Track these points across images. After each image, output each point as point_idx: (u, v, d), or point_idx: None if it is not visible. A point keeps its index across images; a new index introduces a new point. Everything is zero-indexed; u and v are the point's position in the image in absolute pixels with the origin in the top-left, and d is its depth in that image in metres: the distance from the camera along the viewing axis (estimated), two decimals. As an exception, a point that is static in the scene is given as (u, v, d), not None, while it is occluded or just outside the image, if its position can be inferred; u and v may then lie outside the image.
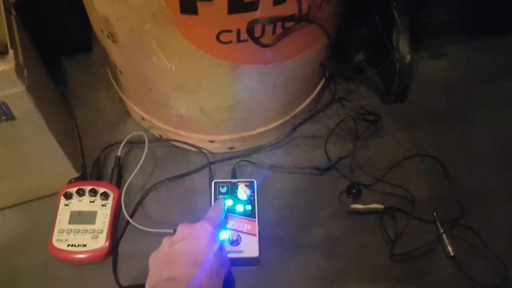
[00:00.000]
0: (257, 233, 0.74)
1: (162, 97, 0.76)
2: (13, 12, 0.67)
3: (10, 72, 0.57)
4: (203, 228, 0.61)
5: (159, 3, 0.56)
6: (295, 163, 0.86)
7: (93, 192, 0.78)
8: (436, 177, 0.85)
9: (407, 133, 0.91)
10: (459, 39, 1.02)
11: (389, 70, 0.90)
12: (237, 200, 0.77)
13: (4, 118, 0.62)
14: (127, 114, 0.92)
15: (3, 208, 0.80)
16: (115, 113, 0.92)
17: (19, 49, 0.62)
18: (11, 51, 0.59)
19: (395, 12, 0.84)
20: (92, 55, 1.00)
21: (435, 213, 0.81)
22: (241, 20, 0.59)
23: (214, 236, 0.61)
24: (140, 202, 0.82)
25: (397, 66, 0.88)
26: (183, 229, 0.61)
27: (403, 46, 0.88)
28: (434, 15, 0.98)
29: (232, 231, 0.74)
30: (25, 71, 0.61)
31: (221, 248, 0.62)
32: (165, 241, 0.60)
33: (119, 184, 0.82)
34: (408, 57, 0.88)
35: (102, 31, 0.70)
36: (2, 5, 0.63)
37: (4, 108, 0.61)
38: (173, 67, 0.67)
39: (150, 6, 0.58)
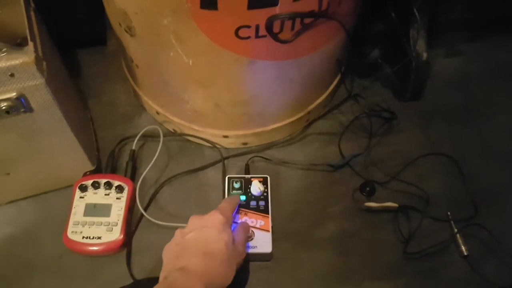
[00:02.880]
0: (270, 229, 0.74)
1: (177, 91, 0.76)
2: (32, 4, 0.67)
3: (29, 65, 0.58)
4: (214, 218, 0.61)
5: (180, -2, 0.56)
6: (309, 159, 0.86)
7: (108, 185, 0.78)
8: (450, 175, 0.85)
9: (422, 131, 0.90)
10: (475, 36, 1.01)
11: (405, 68, 0.90)
12: (250, 196, 0.77)
13: (22, 110, 0.62)
14: (141, 107, 0.92)
15: (18, 200, 0.81)
16: (129, 107, 0.92)
17: (38, 41, 0.62)
18: (30, 44, 0.59)
19: (414, 9, 0.83)
20: (107, 48, 1.00)
21: (449, 212, 0.80)
22: (261, 15, 0.59)
23: (226, 226, 0.61)
24: (154, 196, 0.82)
25: (414, 63, 0.88)
26: (194, 220, 0.62)
27: (420, 44, 0.87)
28: (451, 12, 0.97)
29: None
30: (44, 63, 0.61)
31: (235, 238, 0.62)
32: (177, 232, 0.61)
33: (133, 178, 0.83)
34: (425, 55, 0.88)
35: (120, 24, 0.70)
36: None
37: (23, 100, 0.61)
38: (190, 61, 0.67)
39: (170, 1, 0.58)
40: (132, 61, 0.79)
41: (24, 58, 0.57)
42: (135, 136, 0.85)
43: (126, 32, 0.70)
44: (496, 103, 0.94)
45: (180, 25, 0.61)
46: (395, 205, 0.80)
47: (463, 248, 0.77)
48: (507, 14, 1.00)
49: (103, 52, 1.00)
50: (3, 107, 0.60)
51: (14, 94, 0.60)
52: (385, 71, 0.95)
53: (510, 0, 0.97)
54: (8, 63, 0.57)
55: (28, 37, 0.60)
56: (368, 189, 0.82)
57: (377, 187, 0.83)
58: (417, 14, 0.82)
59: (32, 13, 0.66)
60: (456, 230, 0.78)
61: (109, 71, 0.97)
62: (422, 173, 0.85)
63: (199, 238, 0.59)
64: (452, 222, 0.79)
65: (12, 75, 0.58)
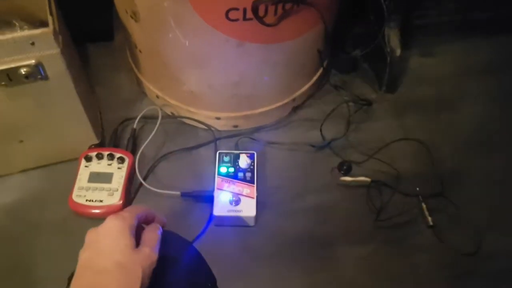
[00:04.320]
0: (255, 196, 0.83)
1: (176, 72, 0.86)
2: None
3: (48, 35, 0.68)
4: (108, 227, 0.52)
5: (178, -19, 0.67)
6: (293, 141, 0.95)
7: (111, 156, 0.87)
8: (421, 158, 0.94)
9: (396, 120, 1.00)
10: (448, 39, 1.11)
11: (381, 63, 1.00)
12: (238, 168, 0.86)
13: (39, 77, 0.72)
14: (143, 94, 1.02)
15: (28, 169, 0.90)
16: (132, 93, 1.02)
17: (55, 18, 0.72)
18: (50, 17, 0.69)
19: (386, 10, 0.94)
20: (114, 43, 1.11)
21: (417, 188, 0.89)
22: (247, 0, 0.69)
23: (123, 231, 0.52)
24: (151, 168, 0.91)
25: (388, 58, 0.98)
26: (89, 236, 0.52)
27: (394, 41, 0.97)
28: (426, 17, 1.08)
29: (233, 193, 0.83)
30: (60, 37, 0.71)
31: (142, 241, 0.53)
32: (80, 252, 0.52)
33: (134, 152, 0.91)
34: (399, 51, 0.98)
35: (126, 11, 0.81)
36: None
37: (40, 67, 0.71)
38: (187, 42, 0.77)
39: (170, -16, 0.68)
40: (136, 47, 0.89)
41: (44, 29, 0.67)
42: (136, 117, 0.94)
43: (132, 18, 0.80)
44: (464, 98, 1.04)
45: (178, 7, 0.72)
46: (368, 179, 0.88)
47: (429, 219, 0.85)
48: (477, 19, 1.10)
49: (110, 47, 1.10)
50: (23, 73, 0.70)
51: (33, 61, 0.70)
52: (364, 67, 1.05)
53: (479, 7, 1.08)
54: (30, 33, 0.67)
55: (48, 12, 0.70)
56: (345, 167, 0.91)
57: (353, 166, 0.92)
58: (388, 14, 0.92)
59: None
60: (423, 202, 0.86)
61: (115, 62, 1.07)
62: (394, 155, 0.94)
63: (92, 257, 0.50)
64: (420, 196, 0.88)
65: (33, 43, 0.68)
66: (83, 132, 0.87)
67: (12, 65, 0.68)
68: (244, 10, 0.71)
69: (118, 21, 0.94)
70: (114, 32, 1.11)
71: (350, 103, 0.99)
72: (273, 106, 0.94)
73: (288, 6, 0.73)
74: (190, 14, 0.71)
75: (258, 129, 0.97)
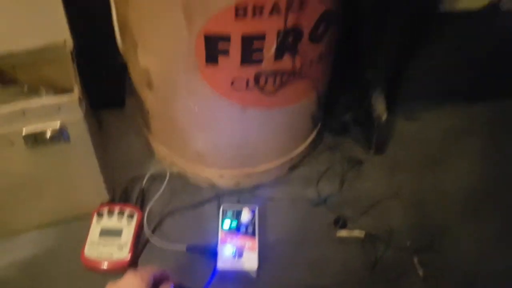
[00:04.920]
0: (256, 250, 0.88)
1: (184, 134, 0.94)
2: (75, 60, 0.87)
3: (73, 101, 0.76)
4: (126, 283, 0.58)
5: (190, 55, 0.76)
6: (291, 197, 1.02)
7: (121, 213, 0.93)
8: (411, 214, 1.00)
9: (386, 178, 1.07)
10: (431, 104, 1.22)
11: (370, 127, 1.09)
12: (241, 222, 0.92)
13: (62, 139, 0.80)
14: (152, 154, 1.09)
15: (43, 226, 0.95)
16: (142, 153, 1.10)
17: (79, 86, 0.81)
18: (76, 86, 0.78)
19: (371, 80, 1.05)
20: (125, 108, 1.20)
21: (408, 242, 0.95)
22: (250, 71, 0.79)
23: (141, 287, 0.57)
24: (159, 224, 0.96)
25: (375, 123, 1.07)
26: None
27: (380, 107, 1.07)
28: (408, 85, 1.19)
29: (235, 247, 0.88)
30: (84, 103, 0.80)
31: None
32: None
33: (142, 208, 0.97)
34: (384, 116, 1.07)
35: (141, 80, 0.91)
36: (72, 57, 0.84)
37: (64, 131, 0.79)
38: (196, 108, 0.86)
39: (183, 58, 0.78)
40: (148, 112, 0.98)
41: (71, 96, 0.76)
42: (145, 175, 1.01)
43: (146, 87, 0.90)
44: (449, 157, 1.12)
45: (189, 77, 0.81)
46: (362, 234, 0.94)
47: (420, 272, 0.90)
48: (456, 87, 1.21)
49: (122, 111, 1.19)
50: (48, 135, 0.78)
51: (58, 125, 0.78)
52: (355, 130, 1.15)
53: (458, 75, 1.20)
54: (58, 99, 0.76)
55: (73, 80, 0.79)
56: (340, 222, 0.97)
57: (348, 221, 0.98)
58: (373, 84, 1.03)
59: (75, 66, 0.85)
60: (414, 256, 0.92)
61: (126, 126, 1.15)
62: (386, 211, 1.00)
63: None
64: (411, 250, 0.93)
65: (59, 109, 0.76)
66: (97, 190, 0.93)
67: (39, 129, 0.76)
68: (247, 80, 0.80)
69: (129, 88, 1.04)
70: (125, 99, 1.21)
71: (343, 163, 1.07)
72: (272, 165, 1.02)
73: (285, 77, 0.82)
74: (200, 83, 0.81)
75: (258, 186, 1.04)
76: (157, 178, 1.04)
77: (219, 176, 1.01)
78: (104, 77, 1.11)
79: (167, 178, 0.99)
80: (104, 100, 1.17)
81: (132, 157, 1.10)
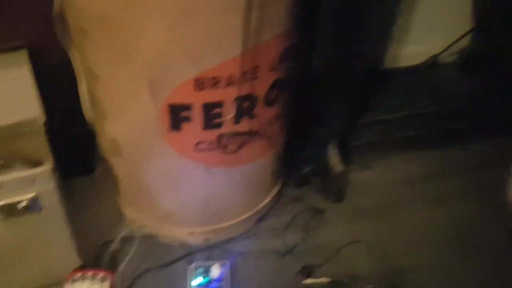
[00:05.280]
0: (228, 303, 0.92)
1: (153, 196, 0.99)
2: (46, 134, 0.93)
3: (47, 172, 0.81)
4: None
5: (156, 124, 0.84)
6: (260, 249, 1.07)
7: (93, 277, 0.96)
8: (372, 257, 1.07)
9: (347, 224, 1.14)
10: (382, 154, 1.31)
11: (327, 178, 1.17)
12: (212, 278, 0.96)
13: (36, 209, 0.84)
14: (122, 217, 1.13)
15: (15, 296, 0.96)
16: (113, 217, 1.13)
17: (51, 157, 0.86)
18: (49, 157, 0.83)
19: (326, 136, 1.15)
20: (95, 174, 1.25)
21: (372, 285, 1.00)
22: (212, 134, 0.86)
23: None
24: (131, 286, 0.99)
25: (333, 174, 1.16)
26: None
27: (335, 160, 1.16)
28: (360, 139, 1.29)
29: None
30: (56, 174, 0.85)
31: None
32: None
33: (114, 271, 1.00)
34: (340, 167, 1.16)
35: (110, 149, 0.96)
36: (44, 131, 0.89)
37: (38, 201, 0.83)
38: (163, 170, 0.92)
39: (149, 127, 0.85)
40: (117, 177, 1.03)
41: (44, 167, 0.81)
42: (116, 239, 1.05)
43: (115, 154, 0.96)
44: (402, 203, 1.21)
45: (156, 143, 0.88)
46: (327, 280, 1.00)
47: (384, 312, 0.96)
48: (404, 138, 1.32)
49: (92, 178, 1.24)
50: (23, 205, 0.82)
51: (33, 195, 0.82)
52: (315, 182, 1.23)
53: (405, 127, 1.31)
54: (33, 171, 0.80)
55: (46, 153, 0.84)
56: (306, 270, 1.03)
57: (314, 269, 1.03)
58: (328, 140, 1.12)
59: (47, 141, 0.91)
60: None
61: (96, 191, 1.19)
62: (349, 256, 1.07)
63: None
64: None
65: (33, 180, 0.81)
66: (69, 256, 0.96)
67: (15, 200, 0.80)
68: (210, 143, 0.87)
69: (98, 155, 1.09)
70: (95, 165, 1.25)
71: (306, 213, 1.14)
72: (240, 219, 1.07)
73: (244, 138, 0.90)
74: (166, 148, 0.87)
75: (227, 241, 1.09)
76: (128, 240, 1.07)
77: (189, 234, 1.06)
78: (73, 147, 1.16)
79: (138, 240, 1.03)
80: (74, 168, 1.21)
81: (103, 222, 1.13)
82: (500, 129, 1.34)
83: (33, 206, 0.83)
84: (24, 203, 0.82)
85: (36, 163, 0.89)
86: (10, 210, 0.81)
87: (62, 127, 1.05)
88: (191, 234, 1.06)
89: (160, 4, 0.70)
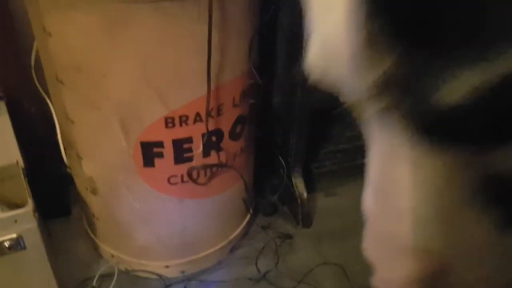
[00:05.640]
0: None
1: (128, 231, 1.04)
2: (26, 177, 0.98)
3: (29, 213, 0.86)
4: None
5: (130, 161, 0.90)
6: (235, 277, 1.13)
7: (74, 314, 0.99)
8: (341, 278, 1.14)
9: (315, 248, 1.21)
10: (344, 181, 1.41)
11: (295, 204, 1.25)
12: (189, 306, 1.01)
13: (19, 247, 0.88)
14: (100, 255, 1.17)
15: None
16: (90, 255, 1.17)
17: (31, 199, 0.91)
18: (29, 199, 0.88)
19: (291, 165, 1.24)
20: (71, 216, 1.29)
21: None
22: (183, 168, 0.94)
23: None
24: (112, 320, 1.02)
25: (299, 201, 1.24)
26: None
27: (300, 187, 1.24)
28: (323, 167, 1.38)
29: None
30: (37, 214, 0.89)
31: None
32: None
33: (94, 308, 1.04)
34: (305, 194, 1.25)
35: (87, 188, 1.02)
36: (23, 174, 0.95)
37: (21, 240, 0.87)
38: (137, 205, 0.98)
39: (123, 164, 0.92)
40: (94, 215, 1.08)
41: (27, 208, 0.86)
42: (94, 277, 1.08)
43: (91, 193, 1.01)
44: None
45: (130, 180, 0.94)
46: (299, 300, 1.06)
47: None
48: (362, 165, 1.42)
49: (68, 219, 1.28)
50: (7, 245, 0.86)
51: (15, 235, 0.86)
52: (283, 209, 1.30)
53: (361, 155, 1.41)
54: (15, 212, 0.85)
55: (27, 195, 0.89)
56: (279, 293, 1.08)
57: (286, 292, 1.09)
58: (292, 168, 1.21)
59: (27, 183, 0.96)
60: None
61: (72, 232, 1.23)
62: (319, 279, 1.13)
63: None
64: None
65: (16, 221, 0.85)
66: (50, 294, 0.99)
67: (1, 239, 0.85)
68: (182, 176, 0.95)
69: (74, 197, 1.14)
70: (71, 207, 1.30)
71: (276, 239, 1.21)
72: (214, 249, 1.13)
73: (214, 169, 0.98)
74: (140, 184, 0.94)
75: (203, 272, 1.14)
76: (106, 277, 1.11)
77: (164, 266, 1.10)
78: (50, 190, 1.21)
79: (115, 276, 1.07)
80: (51, 210, 1.25)
81: (81, 261, 1.16)
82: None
83: (16, 245, 0.87)
84: (8, 243, 0.86)
85: (16, 206, 0.93)
86: (-7, 250, 0.85)
87: (39, 171, 1.11)
88: (167, 267, 1.11)
89: (129, 50, 0.78)
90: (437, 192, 0.31)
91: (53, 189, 1.21)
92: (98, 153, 0.93)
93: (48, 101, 1.06)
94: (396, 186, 0.33)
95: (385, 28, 0.23)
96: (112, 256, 1.13)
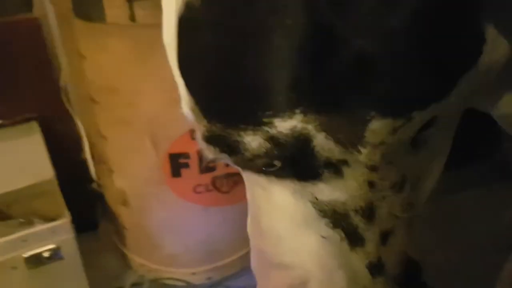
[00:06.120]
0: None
1: (157, 241, 1.10)
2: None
3: (66, 224, 0.92)
4: None
5: (159, 172, 0.97)
6: (257, 282, 1.17)
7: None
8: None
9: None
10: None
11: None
12: (217, 310, 1.06)
13: (57, 258, 0.94)
14: (128, 266, 1.22)
15: None
16: (119, 266, 1.23)
17: (67, 211, 0.97)
18: (65, 211, 0.94)
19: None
20: (98, 231, 1.35)
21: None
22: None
23: None
24: (144, 326, 1.08)
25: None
26: None
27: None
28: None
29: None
30: (73, 225, 0.96)
31: None
32: None
33: (127, 315, 1.09)
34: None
35: (117, 201, 1.08)
36: (58, 189, 1.01)
37: (59, 250, 0.93)
38: (166, 214, 1.04)
39: (153, 176, 0.98)
40: (123, 227, 1.14)
41: (64, 219, 0.92)
42: (125, 286, 1.14)
43: (122, 205, 1.07)
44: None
45: (159, 190, 1.00)
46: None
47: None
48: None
49: (96, 235, 1.34)
50: (47, 255, 0.92)
51: (54, 246, 0.92)
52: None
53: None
54: (54, 224, 0.91)
55: (63, 207, 0.96)
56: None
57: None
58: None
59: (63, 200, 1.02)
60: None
61: (101, 246, 1.29)
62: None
63: None
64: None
65: (54, 232, 0.92)
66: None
67: (40, 250, 0.91)
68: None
69: (102, 211, 1.20)
70: (99, 222, 1.36)
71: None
72: (238, 255, 1.18)
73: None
74: (168, 194, 1.00)
75: (229, 277, 1.19)
76: (136, 286, 1.16)
77: (191, 273, 1.16)
78: (79, 205, 1.27)
79: (146, 285, 1.13)
80: (79, 225, 1.32)
81: (110, 272, 1.22)
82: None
83: (55, 255, 0.93)
84: (47, 254, 0.92)
85: (51, 219, 1.00)
86: (35, 261, 0.91)
87: (69, 188, 1.17)
88: (194, 274, 1.16)
89: (158, 71, 0.85)
90: (284, 215, 0.39)
91: (82, 205, 1.27)
92: (129, 166, 0.99)
93: (77, 120, 1.13)
94: (259, 210, 0.42)
95: (196, 106, 0.35)
96: (141, 265, 1.18)
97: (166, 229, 1.08)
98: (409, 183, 0.38)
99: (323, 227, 0.38)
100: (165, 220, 1.06)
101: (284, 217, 0.39)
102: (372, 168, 0.34)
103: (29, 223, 1.00)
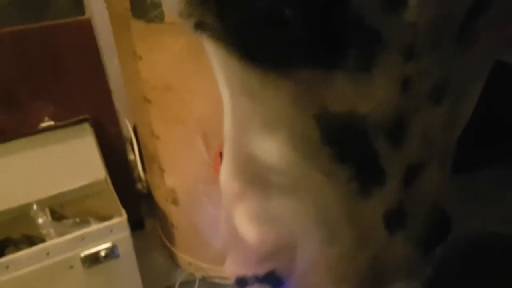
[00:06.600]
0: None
1: (206, 239, 1.11)
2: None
3: (123, 222, 0.94)
4: None
5: (210, 170, 0.97)
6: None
7: (162, 318, 1.06)
8: None
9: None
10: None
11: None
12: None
13: (113, 256, 0.95)
14: (177, 264, 1.24)
15: None
16: (168, 265, 1.24)
17: (123, 209, 0.99)
18: (122, 210, 0.96)
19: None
20: (145, 230, 1.37)
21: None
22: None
23: None
24: (196, 323, 1.08)
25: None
26: None
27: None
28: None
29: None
30: (128, 223, 0.97)
31: None
32: None
33: (179, 312, 1.10)
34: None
35: (167, 199, 1.09)
36: (112, 189, 1.03)
37: (115, 249, 0.95)
38: (215, 212, 1.04)
39: (204, 174, 0.99)
40: (172, 225, 1.15)
41: (121, 218, 0.94)
42: (175, 284, 1.15)
43: (172, 203, 1.09)
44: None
45: (209, 189, 1.01)
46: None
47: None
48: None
49: (142, 233, 1.36)
50: (103, 254, 0.93)
51: (110, 244, 0.94)
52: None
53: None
54: (111, 222, 0.93)
55: (119, 206, 0.97)
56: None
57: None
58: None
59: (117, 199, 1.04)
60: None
61: (148, 245, 1.31)
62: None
63: None
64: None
65: (111, 230, 0.93)
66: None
67: (97, 249, 0.92)
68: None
69: (148, 211, 1.21)
70: (145, 222, 1.38)
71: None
72: (285, 254, 1.18)
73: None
74: (217, 192, 1.00)
75: (275, 276, 1.18)
76: (186, 285, 1.17)
77: (241, 271, 1.16)
78: (127, 205, 1.29)
79: (197, 283, 1.14)
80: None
81: (159, 270, 1.24)
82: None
83: (111, 253, 0.95)
84: (103, 252, 0.93)
85: (105, 218, 1.02)
86: (92, 259, 0.93)
87: (116, 188, 1.19)
88: (243, 272, 1.16)
89: (211, 69, 0.86)
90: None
91: (129, 205, 1.29)
92: (181, 165, 1.00)
93: (126, 120, 1.15)
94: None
95: None
96: (190, 264, 1.19)
97: (214, 226, 1.09)
98: (449, 93, 0.30)
99: (324, 160, 0.29)
100: (213, 217, 1.06)
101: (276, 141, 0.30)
102: (410, 53, 0.26)
103: (85, 222, 1.02)
